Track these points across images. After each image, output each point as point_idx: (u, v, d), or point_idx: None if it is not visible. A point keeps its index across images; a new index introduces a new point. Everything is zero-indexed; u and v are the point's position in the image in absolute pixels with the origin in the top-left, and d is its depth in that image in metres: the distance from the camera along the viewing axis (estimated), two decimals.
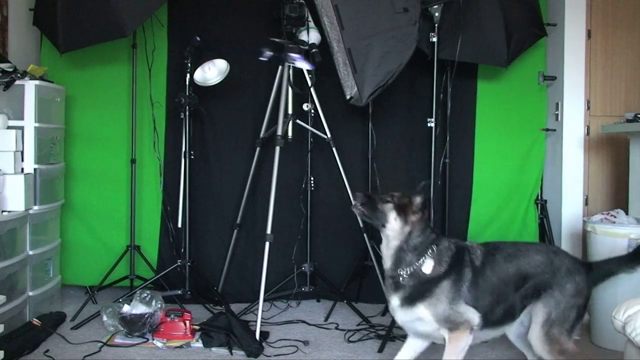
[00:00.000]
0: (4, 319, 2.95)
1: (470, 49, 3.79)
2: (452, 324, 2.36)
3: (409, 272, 2.40)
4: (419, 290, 2.38)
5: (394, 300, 2.43)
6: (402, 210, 2.44)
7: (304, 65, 3.56)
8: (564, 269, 2.41)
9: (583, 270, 2.44)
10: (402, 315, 2.44)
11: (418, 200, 2.46)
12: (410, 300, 2.39)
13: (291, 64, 3.59)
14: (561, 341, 2.36)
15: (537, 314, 2.40)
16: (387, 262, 2.46)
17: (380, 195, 2.51)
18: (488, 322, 2.41)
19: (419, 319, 2.41)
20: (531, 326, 2.42)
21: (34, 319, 3.31)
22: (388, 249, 2.46)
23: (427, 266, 2.40)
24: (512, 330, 2.57)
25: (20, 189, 3.32)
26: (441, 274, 2.39)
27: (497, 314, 2.42)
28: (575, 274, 2.41)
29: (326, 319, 3.75)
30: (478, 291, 2.39)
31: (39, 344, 3.17)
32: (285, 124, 3.66)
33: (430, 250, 2.42)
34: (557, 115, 4.31)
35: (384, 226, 2.45)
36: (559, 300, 2.37)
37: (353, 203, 2.53)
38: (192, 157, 3.89)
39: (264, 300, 3.39)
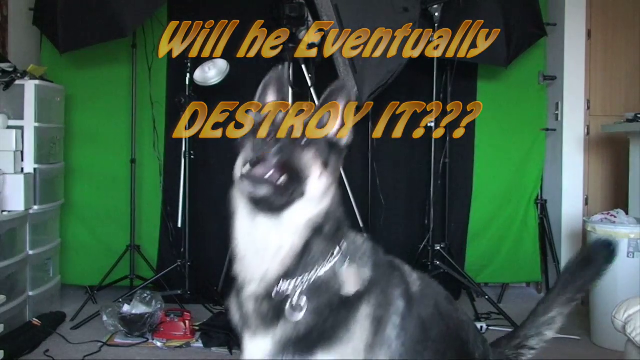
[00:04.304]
0: (4, 319, 2.95)
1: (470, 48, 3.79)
2: None
3: (308, 284, 1.27)
4: (324, 323, 1.26)
5: (263, 344, 1.29)
6: (329, 153, 1.33)
7: None
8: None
9: None
10: None
11: (346, 129, 1.37)
12: (303, 343, 1.25)
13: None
14: None
15: None
16: (271, 266, 1.27)
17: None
18: None
19: None
20: None
21: (34, 319, 3.31)
22: (285, 237, 1.27)
23: (350, 278, 1.30)
24: None
25: (20, 189, 3.31)
26: (359, 293, 1.30)
27: None
28: None
29: None
30: (410, 341, 1.33)
31: (39, 344, 3.17)
32: None
33: (341, 244, 1.32)
34: (557, 115, 4.31)
35: (301, 194, 1.25)
36: None
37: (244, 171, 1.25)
38: (192, 157, 3.88)
39: None
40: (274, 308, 1.27)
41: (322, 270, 1.28)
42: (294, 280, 1.26)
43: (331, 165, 1.32)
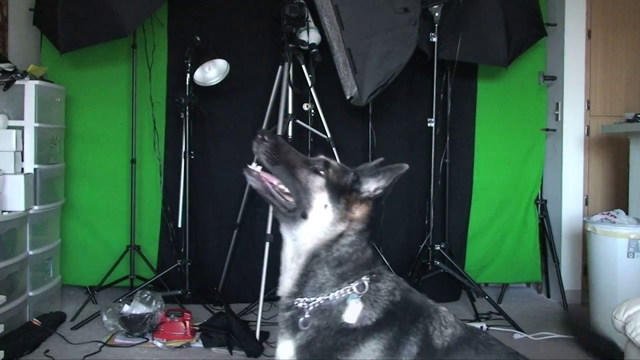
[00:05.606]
0: (4, 319, 2.95)
1: (470, 49, 3.79)
2: None
3: (315, 305, 1.46)
4: (323, 340, 1.43)
5: (288, 345, 1.47)
6: (341, 194, 1.49)
7: None
8: None
9: None
10: None
11: (372, 184, 1.53)
12: (307, 350, 1.44)
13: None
14: None
15: None
16: (286, 280, 1.51)
17: (302, 155, 1.54)
18: None
19: None
20: None
21: (34, 319, 3.31)
22: (294, 254, 1.50)
23: (352, 310, 1.44)
24: None
25: (20, 189, 3.32)
26: (369, 327, 1.42)
27: None
28: None
29: None
30: None
31: (39, 344, 3.17)
32: (285, 124, 3.66)
33: (358, 282, 1.47)
34: (557, 115, 4.31)
35: (303, 215, 1.47)
36: None
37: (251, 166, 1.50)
38: (192, 157, 3.89)
39: (264, 300, 3.38)
40: (292, 317, 1.48)
41: (330, 298, 1.46)
42: (305, 299, 1.47)
43: (342, 204, 1.48)
